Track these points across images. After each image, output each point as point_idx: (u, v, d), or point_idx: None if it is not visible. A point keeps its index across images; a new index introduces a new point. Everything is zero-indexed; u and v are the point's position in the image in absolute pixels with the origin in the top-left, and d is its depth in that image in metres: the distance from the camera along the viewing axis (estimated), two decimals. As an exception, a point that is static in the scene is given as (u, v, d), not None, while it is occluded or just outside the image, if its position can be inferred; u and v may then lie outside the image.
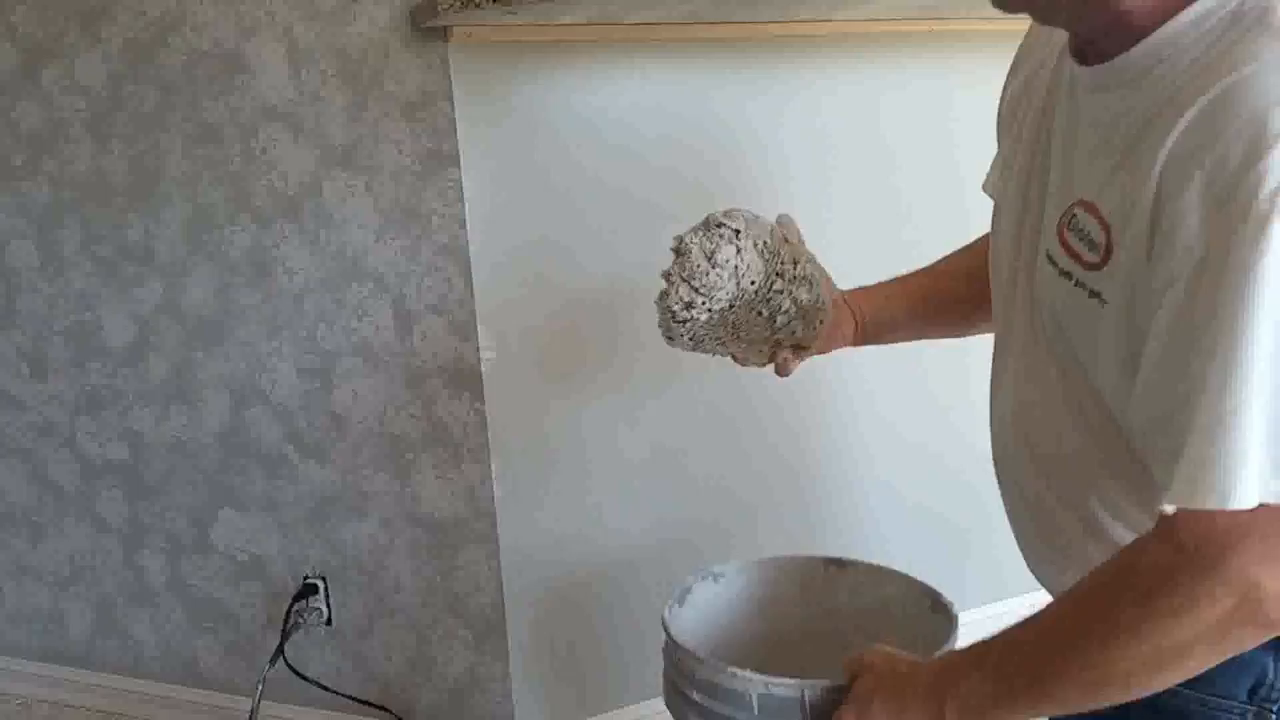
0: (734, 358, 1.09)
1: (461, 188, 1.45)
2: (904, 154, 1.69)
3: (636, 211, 1.55)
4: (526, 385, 1.54)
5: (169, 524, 1.78)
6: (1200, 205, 0.64)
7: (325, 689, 1.71)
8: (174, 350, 1.69)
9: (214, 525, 1.75)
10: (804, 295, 1.02)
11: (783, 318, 1.03)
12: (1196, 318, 0.64)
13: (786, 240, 1.03)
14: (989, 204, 0.96)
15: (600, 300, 1.56)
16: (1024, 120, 0.89)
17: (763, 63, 1.58)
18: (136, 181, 1.64)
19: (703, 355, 1.09)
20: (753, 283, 0.99)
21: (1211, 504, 0.63)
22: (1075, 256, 0.76)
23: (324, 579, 1.70)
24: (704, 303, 0.98)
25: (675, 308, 0.99)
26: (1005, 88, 0.96)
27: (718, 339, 1.05)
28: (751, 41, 1.57)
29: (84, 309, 1.74)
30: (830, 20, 1.57)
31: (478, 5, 1.27)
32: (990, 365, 0.94)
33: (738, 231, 0.98)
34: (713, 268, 0.97)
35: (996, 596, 1.76)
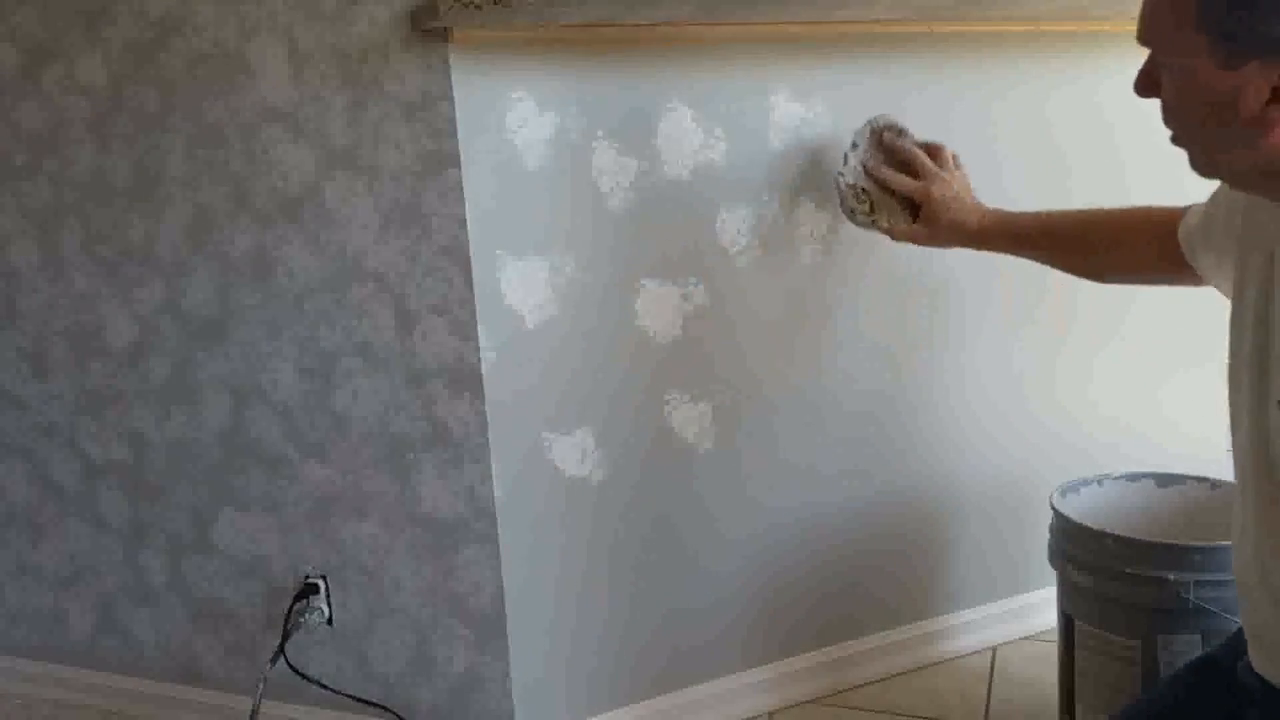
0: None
1: (461, 188, 1.45)
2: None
3: (636, 211, 1.55)
4: (526, 385, 1.55)
5: (170, 524, 1.79)
6: None
7: (326, 688, 1.71)
8: (175, 350, 1.70)
9: (215, 525, 1.75)
10: (849, 203, 1.58)
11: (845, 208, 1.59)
12: None
13: (882, 147, 1.58)
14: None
15: (601, 300, 1.56)
16: (1248, 256, 0.91)
17: (767, 60, 1.59)
18: (137, 182, 1.65)
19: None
20: (841, 175, 1.59)
21: None
22: None
23: (324, 579, 1.70)
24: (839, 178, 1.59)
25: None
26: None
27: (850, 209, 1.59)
28: (751, 41, 1.57)
29: (85, 309, 1.74)
30: (829, 22, 1.58)
31: (478, 6, 1.27)
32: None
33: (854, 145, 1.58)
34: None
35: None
